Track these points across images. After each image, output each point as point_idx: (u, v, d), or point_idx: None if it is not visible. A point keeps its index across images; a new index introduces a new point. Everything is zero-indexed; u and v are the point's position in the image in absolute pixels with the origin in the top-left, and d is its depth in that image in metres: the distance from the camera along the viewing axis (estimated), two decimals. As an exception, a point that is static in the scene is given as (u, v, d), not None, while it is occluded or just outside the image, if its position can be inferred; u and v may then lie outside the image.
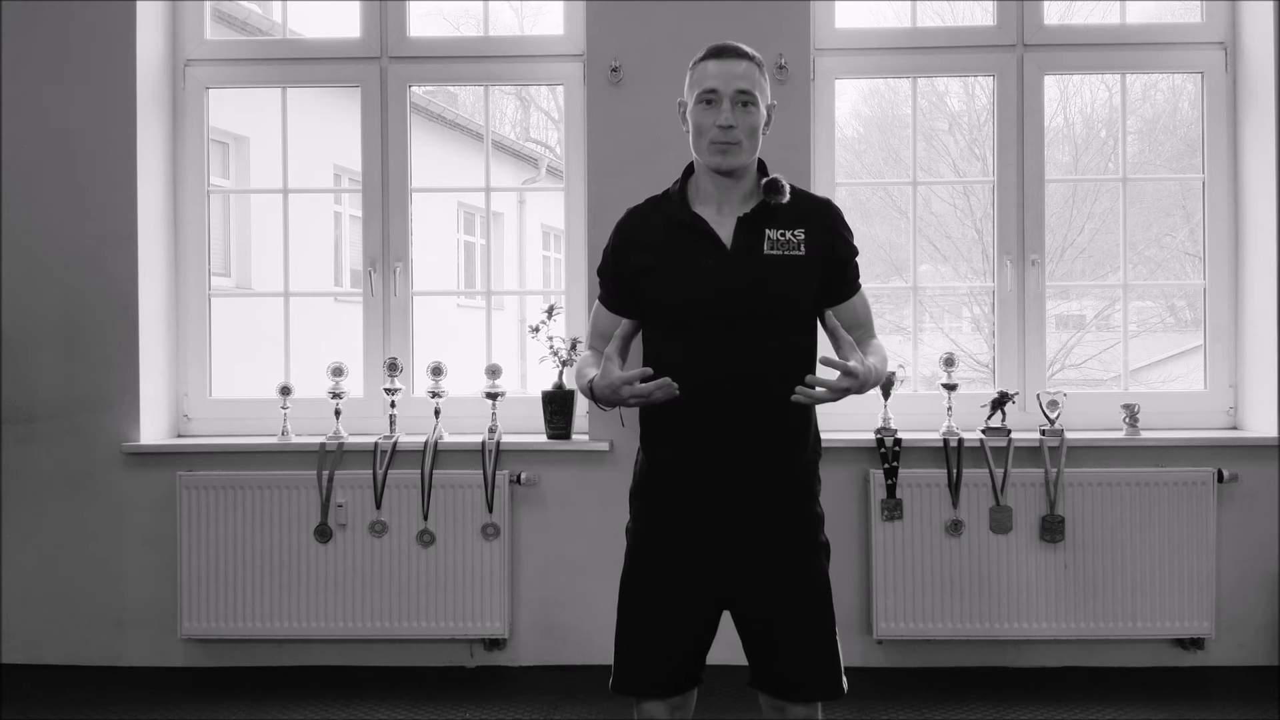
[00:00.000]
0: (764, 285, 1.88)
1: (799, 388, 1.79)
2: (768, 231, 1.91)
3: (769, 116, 1.97)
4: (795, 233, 1.92)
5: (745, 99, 1.89)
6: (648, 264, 1.94)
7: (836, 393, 1.79)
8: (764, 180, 1.96)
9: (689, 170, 2.01)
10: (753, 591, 1.92)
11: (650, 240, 1.96)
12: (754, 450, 1.90)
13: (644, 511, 2.00)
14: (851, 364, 1.80)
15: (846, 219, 2.03)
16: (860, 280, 2.04)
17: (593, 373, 1.94)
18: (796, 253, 1.91)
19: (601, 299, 2.08)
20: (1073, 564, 3.28)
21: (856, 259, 2.03)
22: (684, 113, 1.98)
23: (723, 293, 1.87)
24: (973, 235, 7.72)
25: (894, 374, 3.37)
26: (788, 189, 1.95)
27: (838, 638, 1.96)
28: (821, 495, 2.04)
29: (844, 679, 1.96)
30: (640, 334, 2.04)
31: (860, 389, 1.81)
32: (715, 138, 1.89)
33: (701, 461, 1.91)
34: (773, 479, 1.92)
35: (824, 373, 1.86)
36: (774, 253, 1.90)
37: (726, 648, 2.00)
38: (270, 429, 3.51)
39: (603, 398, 1.88)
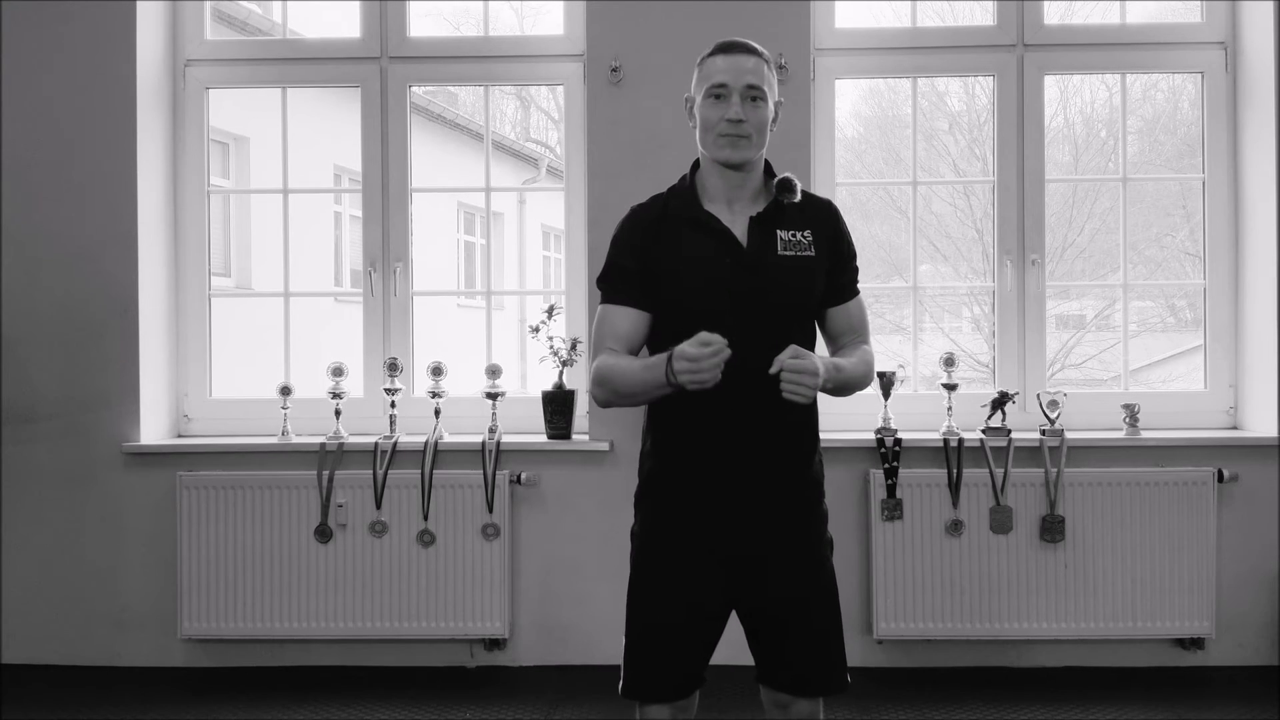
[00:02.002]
0: (779, 285, 1.89)
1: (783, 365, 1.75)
2: (779, 233, 1.92)
3: (776, 114, 1.97)
4: (804, 234, 1.93)
5: (754, 94, 1.90)
6: (661, 263, 1.91)
7: (799, 375, 1.73)
8: (777, 179, 1.96)
9: (695, 166, 2.00)
10: (765, 589, 1.92)
11: (661, 239, 1.93)
12: (766, 447, 1.90)
13: (652, 514, 1.98)
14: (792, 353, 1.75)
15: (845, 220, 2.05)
16: (859, 285, 2.04)
17: (638, 364, 1.86)
18: (807, 254, 1.93)
19: (611, 300, 1.95)
20: (1073, 564, 3.28)
21: (857, 265, 2.04)
22: (691, 108, 1.97)
23: (739, 292, 1.86)
24: (973, 235, 7.72)
25: (894, 374, 3.37)
26: (799, 188, 1.96)
27: (842, 631, 1.98)
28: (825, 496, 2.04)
29: (847, 672, 1.98)
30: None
31: (811, 372, 1.74)
32: (724, 130, 1.88)
33: (713, 460, 1.91)
34: (785, 476, 1.93)
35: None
36: (787, 254, 1.91)
37: (728, 647, 2.00)
38: (270, 429, 3.51)
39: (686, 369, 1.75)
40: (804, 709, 1.96)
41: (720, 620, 1.96)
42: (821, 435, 2.06)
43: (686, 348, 1.71)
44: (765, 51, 1.96)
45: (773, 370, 1.74)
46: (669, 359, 1.75)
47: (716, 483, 1.91)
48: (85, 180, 3.45)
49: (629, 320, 1.93)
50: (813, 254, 1.93)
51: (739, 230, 1.92)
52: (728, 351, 1.71)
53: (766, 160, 2.00)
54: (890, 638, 3.31)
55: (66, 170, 3.45)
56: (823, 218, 1.98)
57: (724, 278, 1.88)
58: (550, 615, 3.43)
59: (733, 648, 1.99)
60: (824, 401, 3.68)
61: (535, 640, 3.44)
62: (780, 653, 1.94)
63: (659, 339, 1.94)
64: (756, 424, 1.89)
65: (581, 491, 3.41)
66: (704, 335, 1.71)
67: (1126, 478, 3.29)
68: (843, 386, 1.92)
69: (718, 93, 1.90)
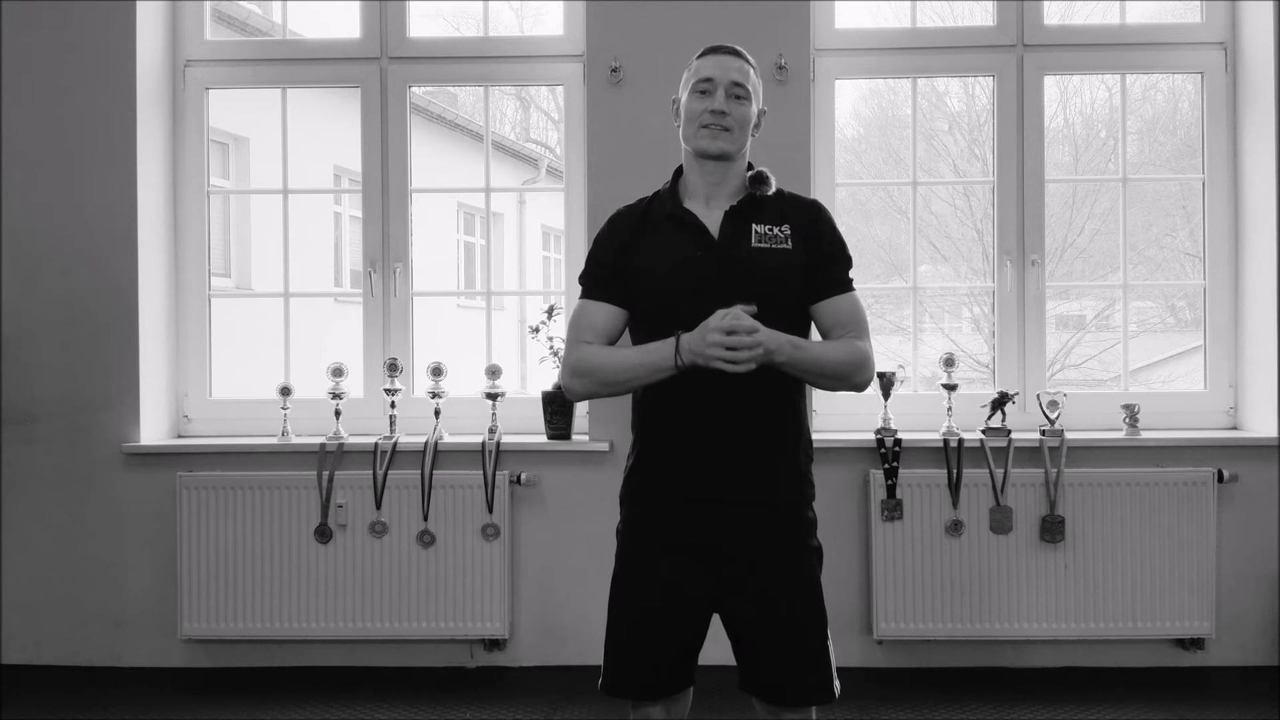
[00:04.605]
0: (750, 276, 1.89)
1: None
2: (754, 226, 1.93)
3: (759, 120, 2.01)
4: (781, 228, 1.95)
5: (739, 91, 1.94)
6: (638, 260, 1.94)
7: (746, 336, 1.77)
8: (751, 172, 1.98)
9: (678, 172, 2.04)
10: (743, 595, 1.91)
11: (640, 237, 1.97)
12: (745, 443, 1.90)
13: (633, 512, 2.00)
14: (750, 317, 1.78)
15: (841, 219, 2.05)
16: (853, 285, 2.00)
17: (631, 350, 1.91)
18: (783, 246, 1.93)
19: (590, 295, 1.99)
20: (1073, 564, 3.28)
21: (849, 264, 2.01)
22: (677, 108, 2.02)
23: (709, 282, 1.87)
24: (973, 235, 7.73)
25: (894, 374, 3.37)
26: (773, 181, 1.98)
27: (830, 641, 1.95)
28: (822, 496, 2.04)
29: (836, 682, 1.94)
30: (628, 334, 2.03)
31: (763, 347, 1.77)
32: (706, 121, 1.92)
33: (693, 457, 1.91)
34: (765, 474, 1.91)
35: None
36: (761, 245, 1.92)
37: (723, 648, 1.99)
38: (270, 429, 3.51)
39: (695, 350, 1.80)
40: (793, 717, 1.94)
41: (700, 619, 1.95)
42: (822, 435, 2.06)
43: (713, 323, 1.77)
44: (751, 58, 2.01)
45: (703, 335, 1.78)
46: (676, 341, 1.81)
47: (696, 478, 1.91)
48: (85, 180, 3.44)
49: (606, 315, 1.97)
50: (789, 247, 1.93)
51: (713, 224, 1.94)
52: (760, 334, 1.77)
53: (750, 162, 2.02)
54: (890, 638, 3.31)
55: (66, 170, 3.45)
56: (803, 214, 1.98)
57: (695, 270, 1.89)
58: (550, 615, 3.43)
59: (729, 648, 1.98)
60: (823, 401, 3.68)
61: (535, 640, 3.44)
62: (761, 662, 1.92)
63: (636, 335, 1.98)
64: (736, 420, 1.89)
65: (581, 492, 3.41)
66: (730, 313, 1.78)
67: (1126, 478, 3.29)
68: (809, 368, 1.87)
69: (703, 88, 1.95)
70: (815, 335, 2.01)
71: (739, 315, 1.78)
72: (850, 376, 1.93)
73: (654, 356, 1.86)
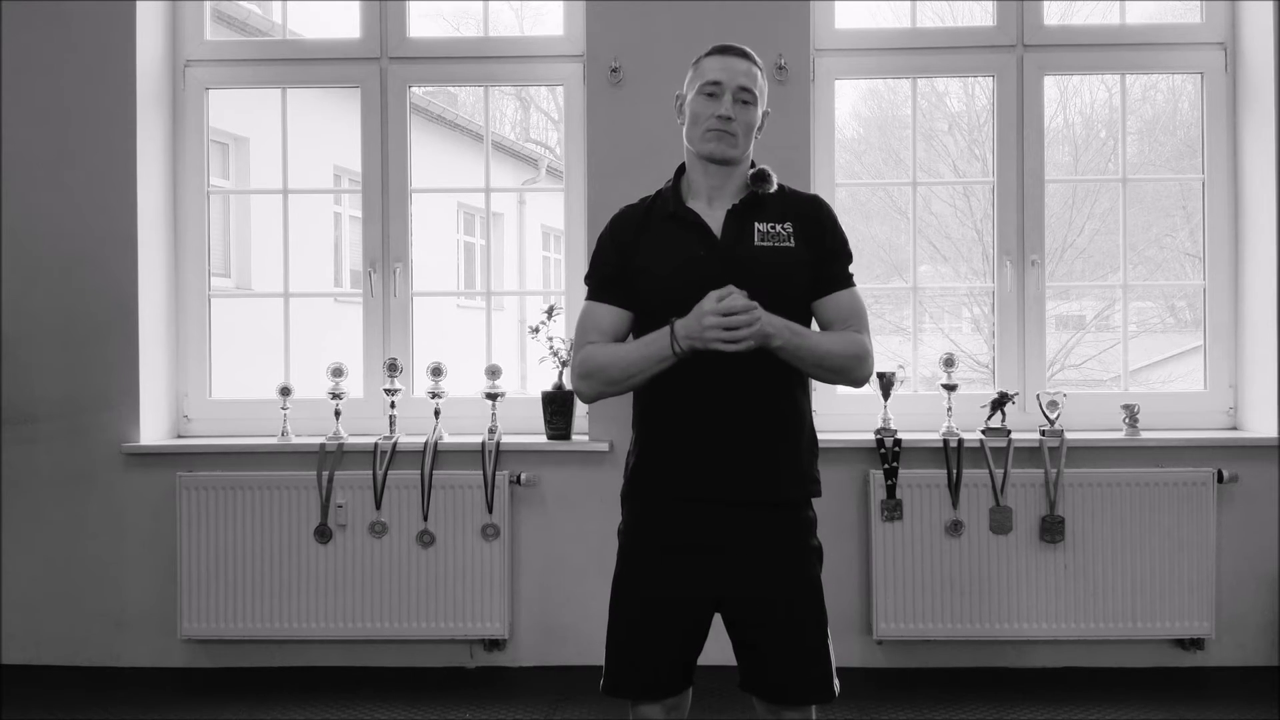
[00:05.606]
0: (754, 274, 1.88)
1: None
2: (757, 224, 1.94)
3: (763, 121, 2.02)
4: (784, 226, 1.95)
5: (745, 96, 1.94)
6: (640, 259, 1.95)
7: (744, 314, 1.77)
8: (752, 171, 1.99)
9: (680, 170, 2.04)
10: (743, 595, 1.91)
11: (643, 236, 1.97)
12: (746, 441, 1.90)
13: (634, 512, 1.99)
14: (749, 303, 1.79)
15: (841, 219, 2.06)
16: (854, 282, 2.01)
17: (631, 344, 1.92)
18: (786, 244, 1.93)
19: (596, 297, 2.00)
20: (1073, 564, 3.28)
21: (849, 260, 2.02)
22: (681, 105, 2.02)
23: (712, 281, 1.86)
24: (973, 235, 7.73)
25: (894, 374, 3.37)
26: (775, 179, 1.98)
27: (829, 640, 1.95)
28: (822, 495, 2.03)
29: (835, 681, 1.95)
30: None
31: (761, 327, 1.78)
32: (713, 125, 1.92)
33: (694, 455, 1.91)
34: (767, 472, 1.91)
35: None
36: (764, 244, 1.92)
37: (723, 648, 2.00)
38: (270, 429, 3.51)
39: (691, 335, 1.81)
40: (793, 716, 1.94)
41: (702, 620, 1.95)
42: (822, 435, 2.05)
43: (707, 305, 1.78)
44: (759, 59, 2.00)
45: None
46: (671, 329, 1.82)
47: (697, 477, 1.91)
48: (85, 180, 3.44)
49: (611, 317, 1.98)
50: (792, 245, 1.93)
51: (716, 223, 1.94)
52: (758, 311, 1.77)
53: (752, 160, 2.02)
54: (890, 638, 3.31)
55: (66, 170, 3.44)
56: (806, 211, 1.99)
57: (698, 269, 1.89)
58: (550, 615, 3.43)
59: (728, 648, 1.99)
60: (823, 401, 3.68)
61: (535, 640, 3.44)
62: (761, 661, 1.92)
63: (641, 333, 1.97)
64: (737, 417, 1.89)
65: (581, 492, 3.41)
66: (721, 293, 1.79)
67: (1126, 478, 3.29)
68: (807, 357, 1.87)
69: (711, 90, 1.94)
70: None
71: (734, 295, 1.79)
72: (850, 370, 1.94)
73: (652, 348, 1.87)
